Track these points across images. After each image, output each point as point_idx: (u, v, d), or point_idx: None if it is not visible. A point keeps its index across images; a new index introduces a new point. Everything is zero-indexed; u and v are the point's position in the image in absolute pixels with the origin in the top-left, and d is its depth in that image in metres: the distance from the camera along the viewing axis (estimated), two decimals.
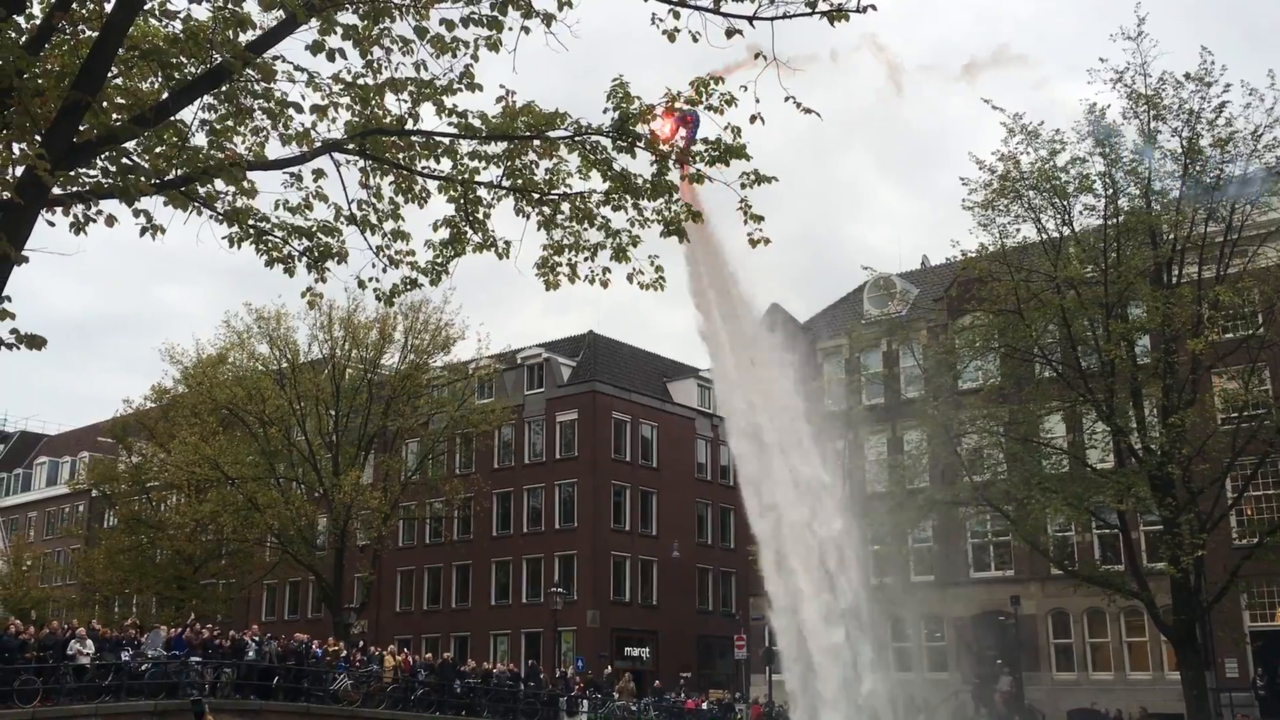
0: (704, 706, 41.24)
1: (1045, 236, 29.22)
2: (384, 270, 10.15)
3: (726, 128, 9.44)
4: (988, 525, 39.10)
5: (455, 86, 9.39)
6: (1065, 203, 28.63)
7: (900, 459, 34.64)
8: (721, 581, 56.67)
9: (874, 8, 8.57)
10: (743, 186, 9.64)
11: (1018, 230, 29.19)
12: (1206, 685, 29.53)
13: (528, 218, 10.05)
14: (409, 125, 9.60)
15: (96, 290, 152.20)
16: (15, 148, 8.78)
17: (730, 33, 8.66)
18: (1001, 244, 29.20)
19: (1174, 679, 31.89)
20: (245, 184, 9.22)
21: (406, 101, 9.48)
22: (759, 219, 9.71)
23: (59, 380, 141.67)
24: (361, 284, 10.21)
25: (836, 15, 8.54)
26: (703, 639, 53.69)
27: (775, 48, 8.63)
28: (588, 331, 57.44)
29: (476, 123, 9.63)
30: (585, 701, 36.69)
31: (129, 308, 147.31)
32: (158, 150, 9.17)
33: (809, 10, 8.61)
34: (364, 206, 9.91)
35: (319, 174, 9.79)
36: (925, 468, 33.16)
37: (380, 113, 9.51)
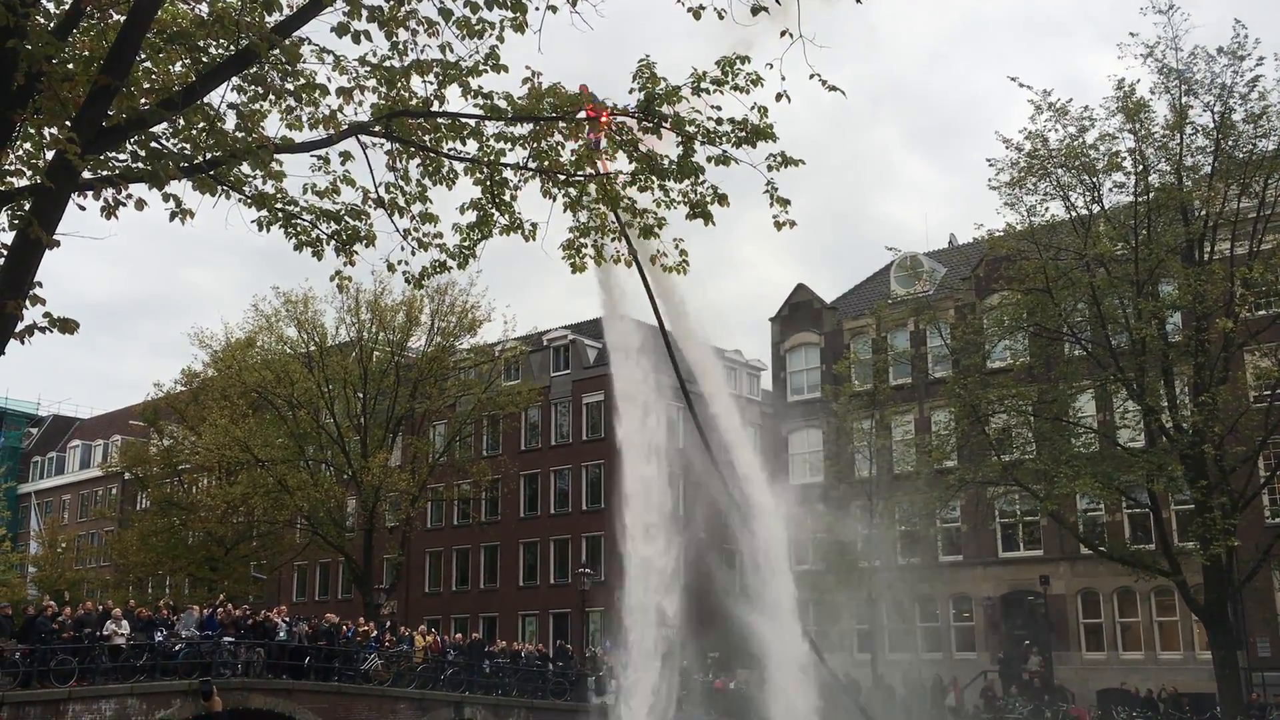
0: (732, 686, 41.33)
1: (1074, 214, 28.96)
2: (412, 253, 10.17)
3: (753, 108, 9.38)
4: (1017, 505, 38.94)
5: (481, 68, 9.37)
6: (1095, 180, 28.36)
7: (928, 439, 34.51)
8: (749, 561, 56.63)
9: None
10: (769, 169, 9.57)
11: (1046, 208, 28.97)
12: (1238, 665, 29.37)
13: (554, 199, 10.03)
14: (435, 107, 9.59)
15: (124, 273, 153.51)
16: (46, 132, 8.85)
17: (756, 10, 8.61)
18: (1029, 222, 28.96)
19: (1205, 658, 31.73)
20: (274, 167, 9.25)
21: (432, 83, 9.46)
22: (785, 202, 9.64)
23: (89, 363, 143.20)
24: (391, 267, 10.23)
25: None
26: (730, 619, 53.71)
27: (801, 24, 8.59)
28: None
29: (502, 104, 9.62)
30: (613, 681, 36.85)
31: (156, 290, 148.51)
32: (187, 134, 9.21)
33: None
34: (391, 189, 9.92)
35: (346, 156, 9.81)
36: (953, 448, 33.01)
37: (406, 95, 9.50)
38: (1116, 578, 36.90)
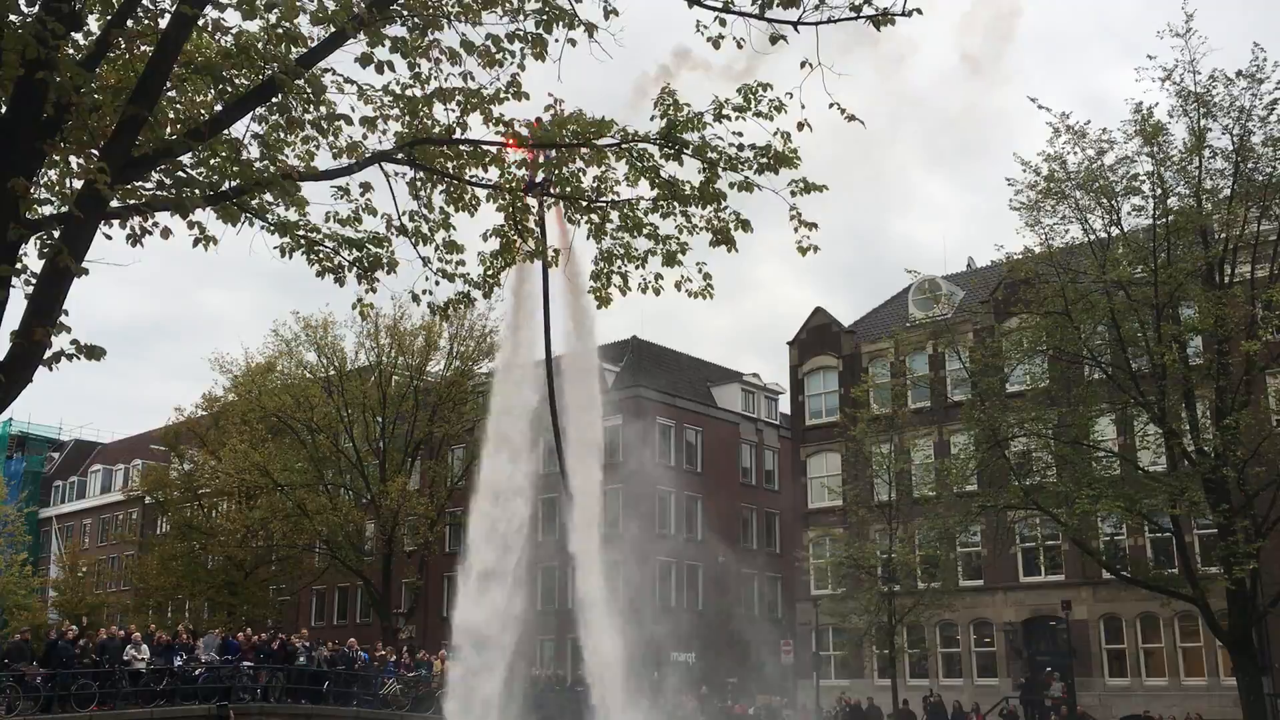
0: (750, 711, 41.13)
1: (1093, 237, 28.89)
2: (436, 284, 10.23)
3: (776, 133, 9.42)
4: (1037, 529, 38.70)
5: (503, 96, 9.46)
6: (1113, 203, 28.29)
7: (947, 462, 34.36)
8: (767, 587, 56.46)
9: (919, 12, 8.55)
10: (792, 194, 9.61)
11: (1065, 231, 28.91)
12: (1263, 691, 28.99)
13: (577, 225, 10.10)
14: (457, 134, 9.67)
15: (140, 295, 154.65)
16: (73, 161, 8.96)
17: (774, 38, 8.67)
18: (1048, 245, 28.91)
19: (1230, 685, 31.38)
20: (298, 195, 9.33)
21: (454, 111, 9.55)
22: (811, 226, 9.66)
23: (107, 386, 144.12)
24: (416, 299, 10.28)
25: (882, 20, 8.53)
26: (749, 644, 53.53)
27: (820, 52, 8.64)
28: (631, 336, 57.50)
29: (524, 131, 9.70)
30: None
31: (174, 312, 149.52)
32: (212, 163, 9.32)
33: (854, 15, 8.60)
34: (415, 218, 9.99)
35: (365, 187, 9.86)
36: (973, 471, 32.85)
37: (429, 123, 9.59)
38: (1139, 603, 36.61)
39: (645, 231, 10.05)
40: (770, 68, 8.87)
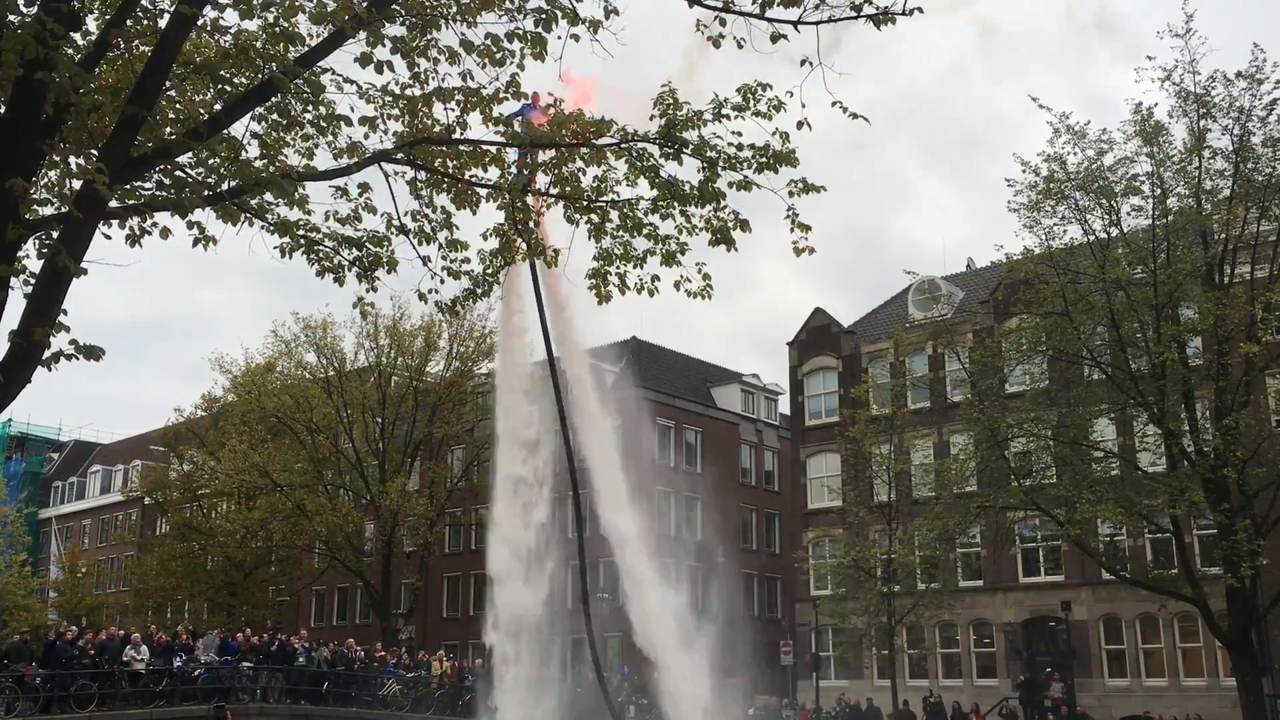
0: (750, 712, 41.11)
1: (1092, 237, 28.89)
2: (441, 282, 10.22)
3: (775, 133, 9.40)
4: (1037, 529, 38.69)
5: (502, 95, 9.45)
6: (1113, 203, 28.28)
7: (947, 463, 34.35)
8: (767, 587, 56.43)
9: (920, 10, 8.54)
10: (790, 195, 9.58)
11: (1065, 231, 28.90)
12: (1263, 692, 28.98)
13: (577, 225, 10.08)
14: (457, 134, 9.65)
15: (137, 294, 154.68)
16: (72, 161, 8.95)
17: (775, 38, 8.67)
18: (1048, 245, 28.90)
19: (1229, 685, 31.39)
20: (297, 195, 9.32)
21: (454, 111, 9.53)
22: (806, 228, 9.63)
23: (107, 386, 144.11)
24: (422, 297, 10.26)
25: (883, 19, 8.52)
26: (748, 645, 53.49)
27: (820, 52, 8.63)
28: (630, 337, 57.49)
29: (519, 128, 9.68)
30: (632, 708, 36.70)
31: (171, 311, 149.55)
32: (211, 163, 9.30)
33: (854, 14, 8.60)
34: (417, 217, 9.97)
35: (364, 188, 9.84)
36: (972, 472, 32.84)
37: (429, 123, 9.57)
38: (1139, 603, 36.59)
39: (645, 231, 10.02)
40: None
